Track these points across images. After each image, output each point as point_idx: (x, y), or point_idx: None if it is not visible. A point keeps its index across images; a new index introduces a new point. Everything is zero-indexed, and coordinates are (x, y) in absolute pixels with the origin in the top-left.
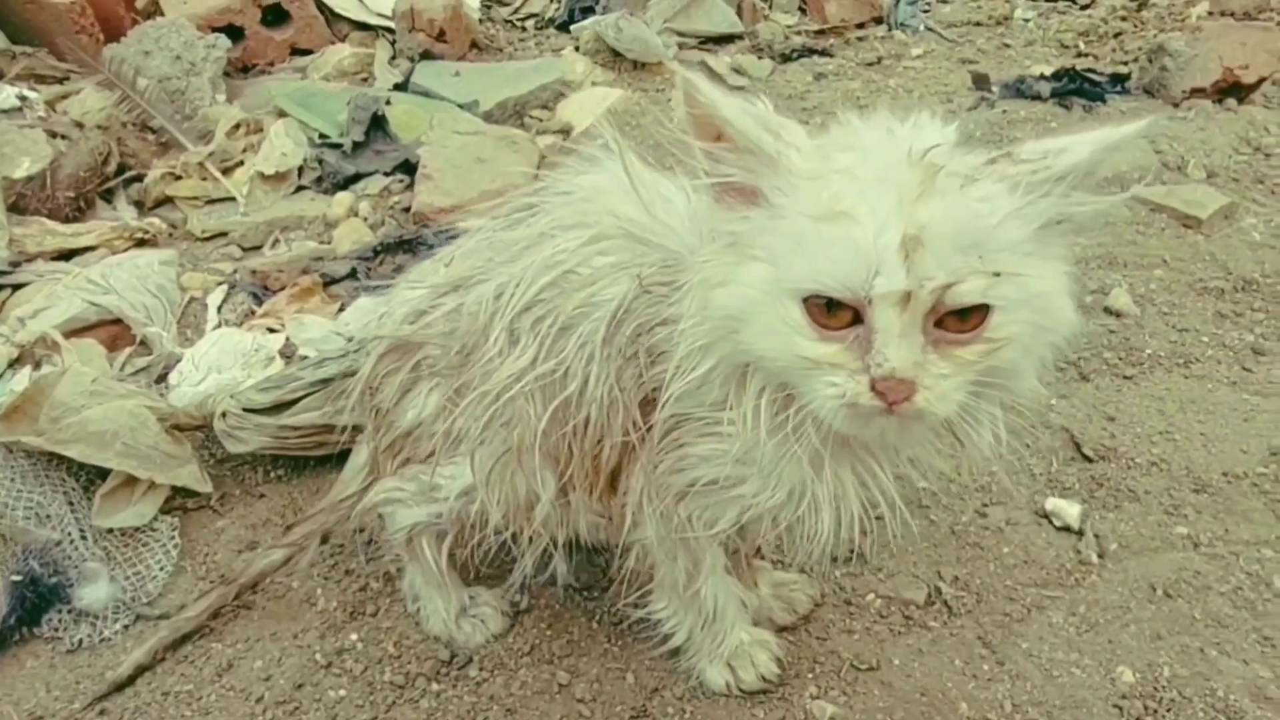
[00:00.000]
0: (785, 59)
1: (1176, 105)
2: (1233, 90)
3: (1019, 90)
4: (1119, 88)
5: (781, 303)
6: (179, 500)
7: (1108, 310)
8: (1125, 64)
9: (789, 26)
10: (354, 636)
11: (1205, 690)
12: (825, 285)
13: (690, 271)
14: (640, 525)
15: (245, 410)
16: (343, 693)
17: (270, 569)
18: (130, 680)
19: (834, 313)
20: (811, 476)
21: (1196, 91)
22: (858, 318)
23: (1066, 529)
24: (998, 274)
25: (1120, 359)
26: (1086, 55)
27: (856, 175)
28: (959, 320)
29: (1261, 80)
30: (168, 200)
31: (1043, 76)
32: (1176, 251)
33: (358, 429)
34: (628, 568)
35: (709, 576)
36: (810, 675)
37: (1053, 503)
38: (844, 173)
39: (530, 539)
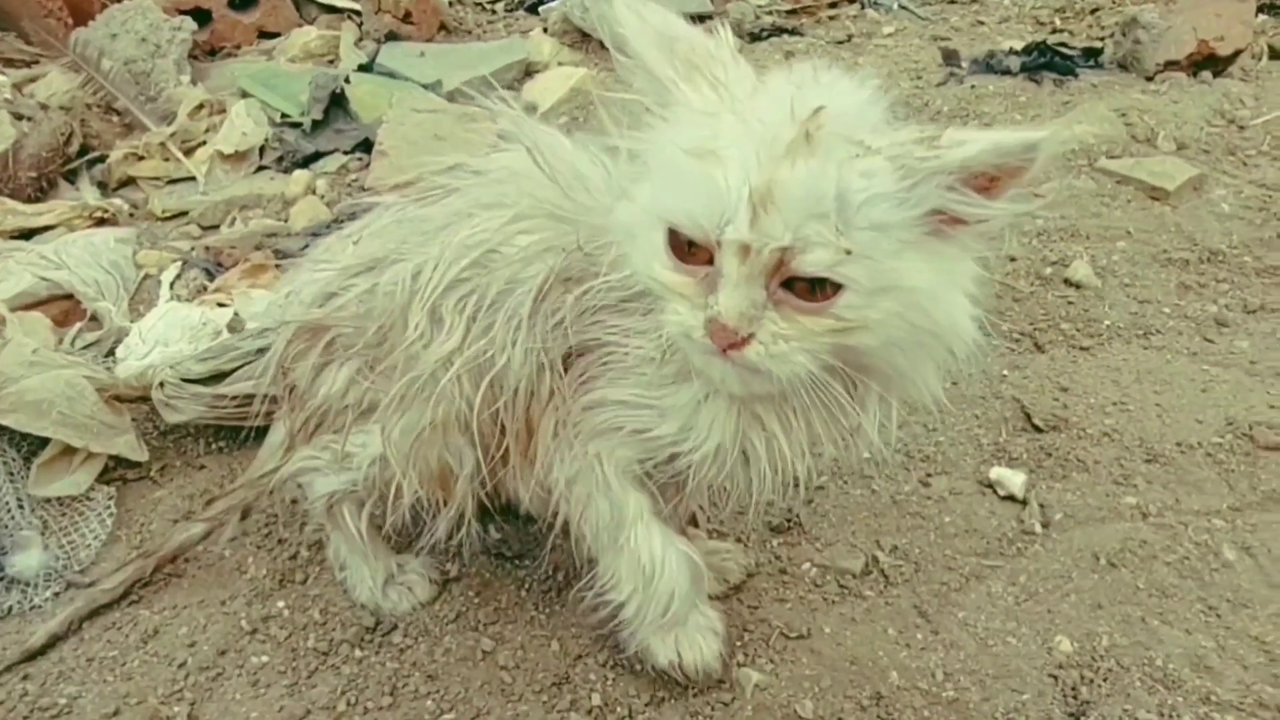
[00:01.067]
0: (755, 38)
1: (1150, 79)
2: (1208, 63)
3: (989, 65)
4: (1091, 62)
5: (653, 227)
6: (119, 471)
7: (1067, 282)
8: (1100, 39)
9: (760, 6)
10: (281, 604)
11: (1144, 660)
12: (679, 221)
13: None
14: (551, 467)
15: (183, 380)
16: (265, 659)
17: (189, 543)
18: (43, 650)
19: (693, 249)
20: (717, 425)
21: (1170, 64)
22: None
23: (1011, 499)
24: (849, 251)
25: (1078, 330)
26: (1062, 31)
27: (741, 120)
28: (809, 289)
29: (1237, 52)
30: (130, 181)
31: (1013, 51)
32: (1141, 223)
33: (275, 400)
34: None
35: (636, 524)
36: (739, 643)
37: (997, 472)
38: (732, 115)
39: (440, 506)
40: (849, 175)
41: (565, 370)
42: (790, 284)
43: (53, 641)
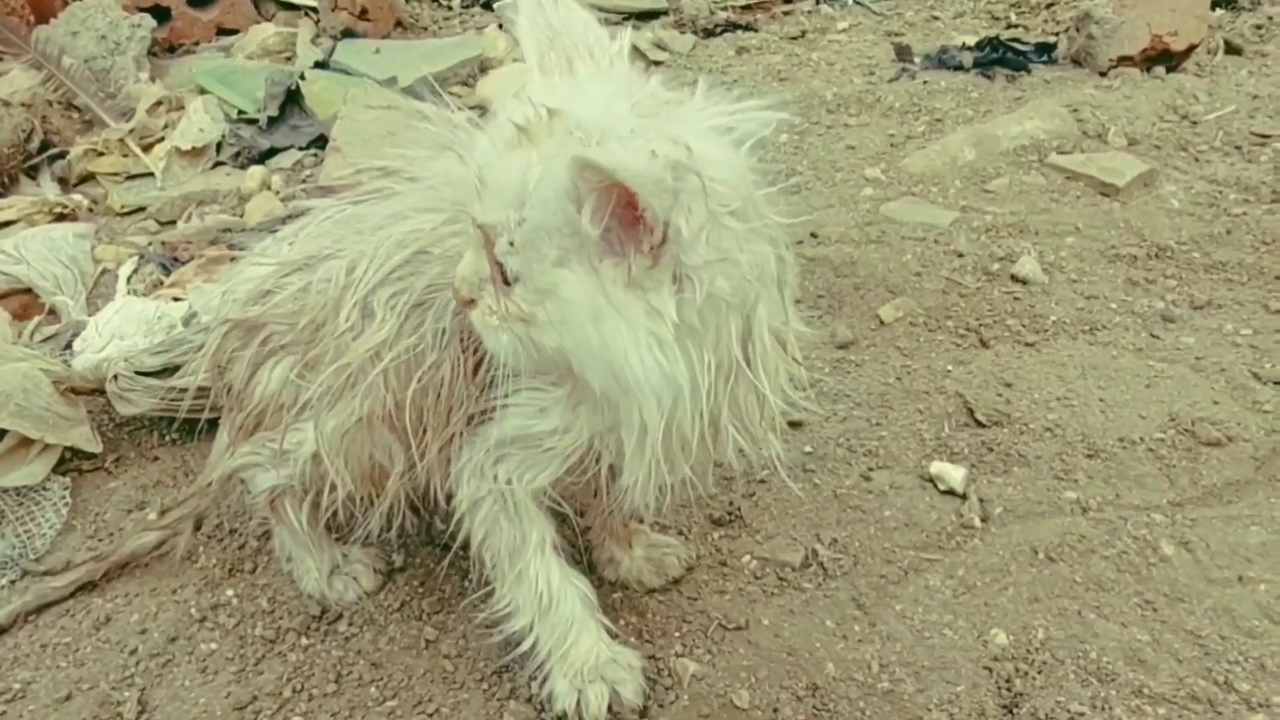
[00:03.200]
0: (709, 34)
1: (1103, 74)
2: (1162, 58)
3: (941, 61)
4: (1045, 57)
5: None
6: (74, 462)
7: (1014, 278)
8: (1055, 34)
9: (714, 1)
10: (230, 592)
11: (1079, 653)
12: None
13: None
14: (459, 486)
15: (137, 373)
16: (214, 646)
17: (142, 550)
18: None
19: None
20: (586, 421)
21: (1124, 60)
22: None
23: (951, 493)
24: (512, 244)
25: (1024, 326)
26: (1016, 26)
27: (511, 106)
28: (504, 272)
29: (1192, 47)
30: (90, 176)
31: (966, 47)
32: (1090, 219)
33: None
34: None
35: (536, 554)
36: (677, 634)
37: (937, 466)
38: (525, 103)
39: (373, 501)
40: (543, 173)
41: (476, 367)
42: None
43: None
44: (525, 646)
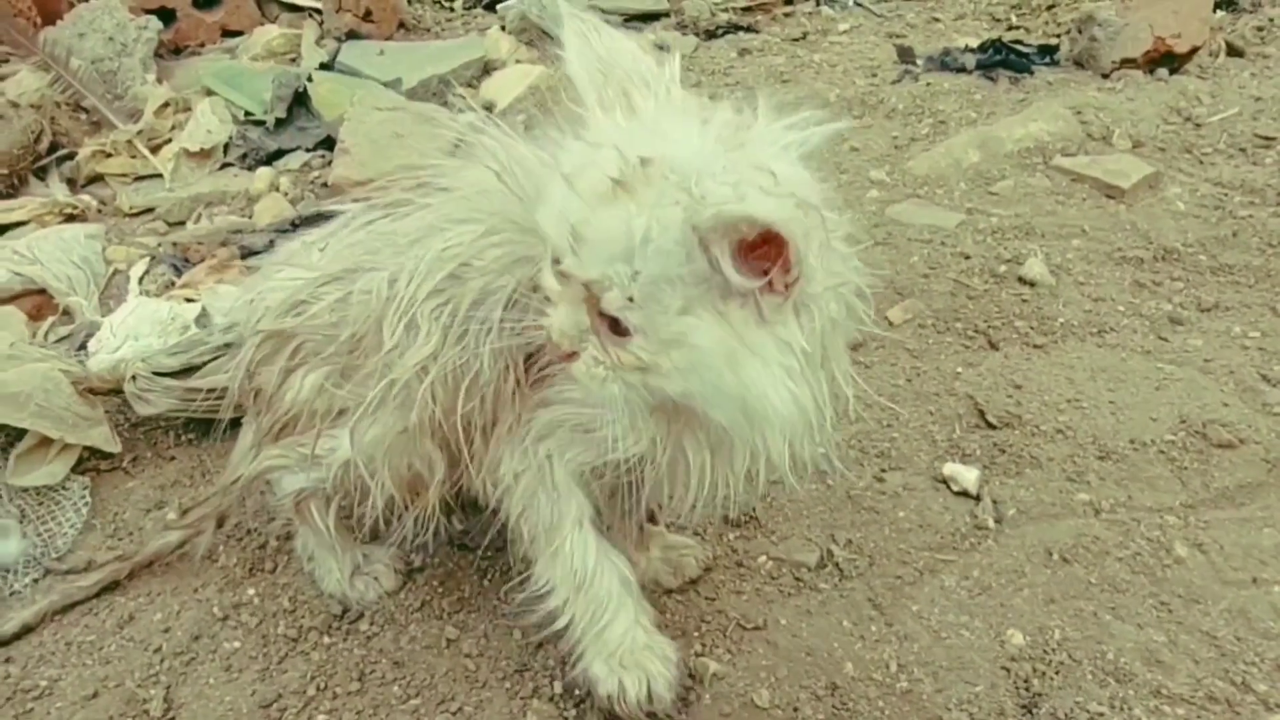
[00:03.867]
0: (710, 35)
1: (1106, 76)
2: (1165, 60)
3: (944, 63)
4: (1047, 59)
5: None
6: (92, 461)
7: (1021, 280)
8: (1056, 36)
9: (715, 3)
10: (251, 591)
11: (1096, 653)
12: (545, 236)
13: None
14: (500, 461)
15: (154, 374)
16: (237, 644)
17: (165, 550)
18: (15, 638)
19: None
20: (650, 426)
21: (1127, 62)
22: None
23: (964, 494)
24: (631, 299)
25: (1032, 328)
26: (1018, 28)
27: (601, 157)
28: (614, 324)
29: (1194, 50)
30: (98, 177)
31: (968, 49)
32: (1096, 221)
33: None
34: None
35: (574, 530)
36: (696, 634)
37: (951, 468)
38: (606, 148)
39: (407, 506)
40: (651, 225)
41: (527, 368)
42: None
43: (24, 631)
44: (560, 624)
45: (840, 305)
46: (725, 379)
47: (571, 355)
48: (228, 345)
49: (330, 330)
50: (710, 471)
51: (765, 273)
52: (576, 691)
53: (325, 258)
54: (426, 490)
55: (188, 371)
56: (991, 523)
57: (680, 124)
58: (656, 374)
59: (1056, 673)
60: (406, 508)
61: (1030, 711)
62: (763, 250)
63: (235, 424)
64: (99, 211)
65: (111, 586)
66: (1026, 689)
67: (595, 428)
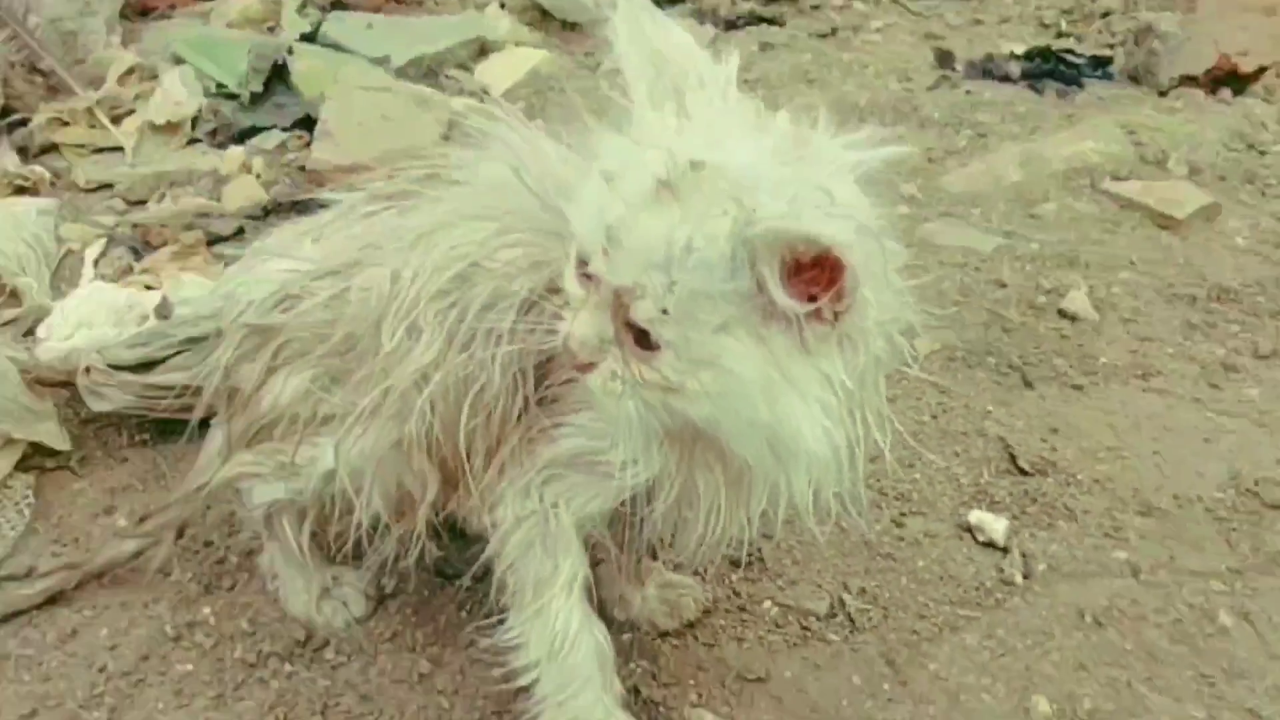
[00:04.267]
0: (730, 26)
1: (1163, 94)
2: (1229, 80)
3: (986, 70)
4: (1099, 72)
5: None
6: (36, 459)
7: (1062, 313)
8: (1110, 46)
9: None
10: (207, 610)
11: None
12: (575, 234)
13: None
14: (498, 504)
15: (111, 366)
16: (190, 667)
17: (120, 559)
18: None
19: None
20: (673, 457)
21: (1187, 79)
22: None
23: (991, 545)
24: (665, 311)
25: (1071, 367)
26: (1068, 35)
27: (649, 157)
28: (641, 336)
29: (1262, 70)
30: (53, 147)
31: (1014, 56)
32: (1146, 253)
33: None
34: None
35: (563, 592)
36: (692, 682)
37: (977, 516)
38: (650, 149)
39: (390, 527)
40: (695, 234)
41: (537, 383)
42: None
43: None
44: (524, 681)
45: (887, 342)
46: (757, 409)
47: (588, 367)
48: (192, 340)
49: (322, 329)
50: (723, 508)
51: (813, 298)
52: None
53: (320, 249)
54: (414, 510)
55: (146, 366)
56: (1019, 578)
57: (736, 130)
58: (681, 395)
59: None
60: (389, 529)
61: None
62: (813, 274)
63: (202, 425)
64: (52, 185)
65: (55, 598)
66: None
67: (608, 465)
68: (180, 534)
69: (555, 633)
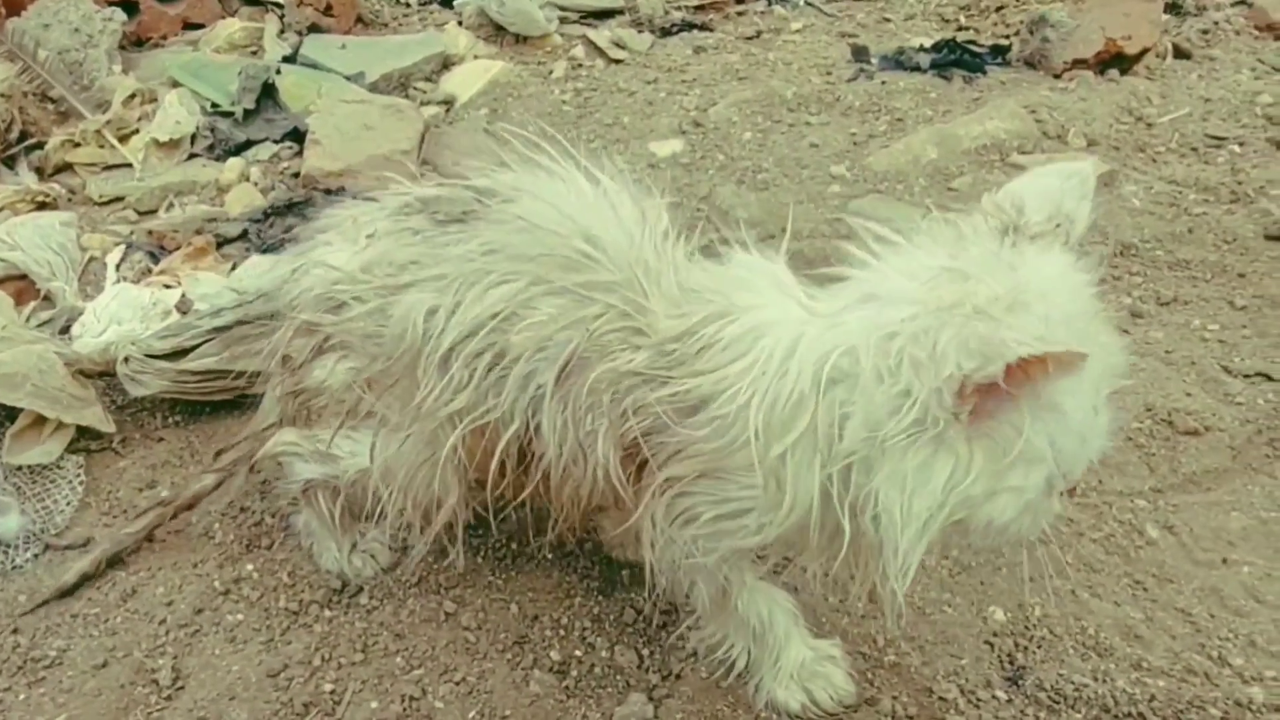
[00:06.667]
0: (665, 33)
1: (1058, 76)
2: (1115, 61)
3: (898, 62)
4: (999, 59)
5: None
6: (83, 441)
7: None
8: (1007, 37)
9: (669, 1)
10: (250, 567)
11: (1076, 629)
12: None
13: None
14: (646, 549)
15: (147, 356)
16: (240, 617)
17: (204, 492)
18: (75, 588)
19: None
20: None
21: (1078, 63)
22: None
23: None
24: None
25: None
26: (967, 28)
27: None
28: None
29: (1144, 51)
30: (67, 166)
31: (922, 48)
32: None
33: (239, 376)
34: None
35: (742, 592)
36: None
37: None
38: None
39: (421, 529)
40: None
41: (624, 467)
42: None
43: (83, 580)
44: (739, 665)
45: None
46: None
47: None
48: (218, 330)
49: (365, 343)
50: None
51: None
52: (575, 662)
53: (368, 252)
54: (439, 513)
55: (179, 354)
56: None
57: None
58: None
59: (1039, 646)
60: (420, 530)
61: (1016, 683)
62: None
63: (221, 405)
64: (69, 200)
65: (113, 560)
66: (1010, 662)
67: (742, 512)
68: (253, 469)
69: (751, 624)
